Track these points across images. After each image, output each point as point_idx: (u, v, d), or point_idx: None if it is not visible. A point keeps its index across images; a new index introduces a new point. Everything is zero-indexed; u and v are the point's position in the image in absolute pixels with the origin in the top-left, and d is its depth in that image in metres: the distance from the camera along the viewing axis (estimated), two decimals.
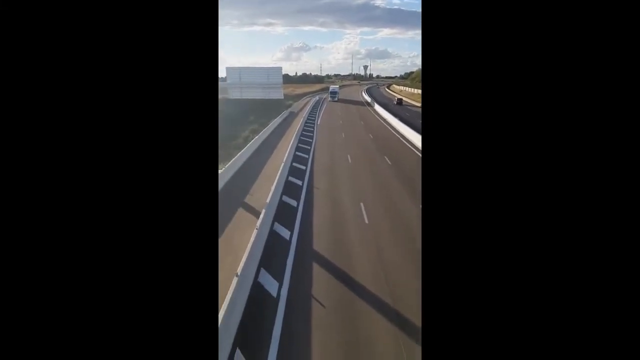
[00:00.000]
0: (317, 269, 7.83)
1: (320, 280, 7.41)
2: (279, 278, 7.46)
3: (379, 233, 9.54)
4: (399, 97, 57.75)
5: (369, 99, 53.16)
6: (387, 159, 17.70)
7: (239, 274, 6.52)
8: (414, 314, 6.27)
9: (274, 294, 6.93)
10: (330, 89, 60.01)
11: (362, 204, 11.52)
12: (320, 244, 9.00)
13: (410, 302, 6.59)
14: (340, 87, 76.13)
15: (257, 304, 6.65)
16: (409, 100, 55.35)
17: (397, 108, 43.47)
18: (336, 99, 54.80)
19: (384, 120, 32.54)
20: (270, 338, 5.79)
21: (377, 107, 40.42)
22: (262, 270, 7.72)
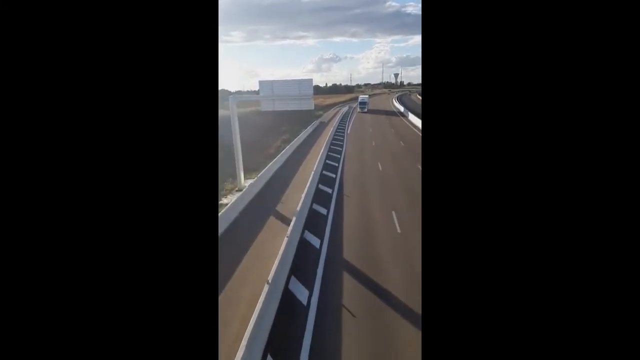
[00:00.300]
0: (347, 278, 7.72)
1: (351, 289, 7.29)
2: (310, 286, 7.44)
3: (412, 244, 9.25)
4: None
5: (400, 108, 50.62)
6: (419, 166, 17.27)
7: (269, 281, 6.59)
8: None
9: (305, 302, 6.91)
10: (360, 98, 54.83)
11: (394, 213, 11.27)
12: (350, 253, 8.88)
13: None
14: (371, 96, 75.73)
15: (288, 312, 6.66)
16: None
17: None
18: (366, 109, 50.08)
19: (415, 127, 31.88)
20: (301, 348, 5.76)
21: (410, 116, 39.54)
22: (293, 278, 7.75)
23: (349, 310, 6.61)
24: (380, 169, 17.27)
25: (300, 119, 35.76)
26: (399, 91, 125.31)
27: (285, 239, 8.42)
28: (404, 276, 7.68)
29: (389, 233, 9.93)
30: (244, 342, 5.15)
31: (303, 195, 11.73)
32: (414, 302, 6.76)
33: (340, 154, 21.36)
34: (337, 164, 18.71)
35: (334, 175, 16.36)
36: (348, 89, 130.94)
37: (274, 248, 8.63)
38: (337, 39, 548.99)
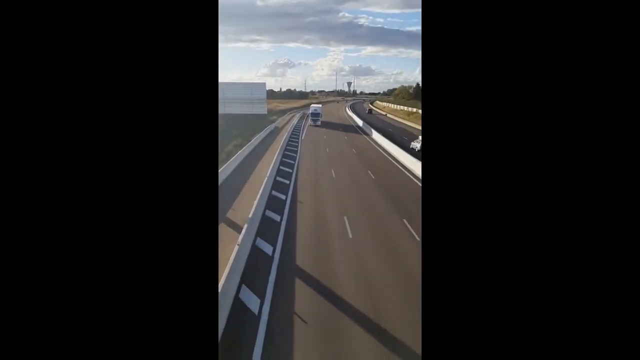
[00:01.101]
0: (299, 285, 7.69)
1: (303, 297, 7.27)
2: (261, 295, 7.28)
3: (362, 248, 9.51)
4: (370, 107, 73.12)
5: (358, 121, 44.31)
6: (370, 173, 17.90)
7: (219, 290, 6.32)
8: (396, 327, 6.22)
9: (255, 311, 6.74)
10: (311, 108, 42.02)
11: (345, 218, 11.51)
12: (303, 259, 8.87)
13: (390, 311, 6.55)
14: (324, 103, 76.87)
15: (238, 322, 6.43)
16: (393, 117, 56.34)
17: (377, 121, 47.03)
18: (319, 122, 39.82)
19: (369, 137, 33.09)
20: (251, 358, 5.60)
21: (374, 134, 38.54)
22: (244, 287, 7.52)
23: (300, 318, 6.58)
24: (334, 175, 17.58)
25: (253, 123, 35.15)
26: (351, 99, 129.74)
27: (236, 247, 8.15)
28: (356, 280, 7.86)
29: (342, 238, 10.11)
30: None
31: (255, 202, 11.50)
32: (366, 306, 6.94)
33: (295, 160, 21.37)
34: (290, 170, 18.67)
35: (287, 182, 16.29)
36: (302, 95, 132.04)
37: (224, 257, 8.32)
38: (292, 45, 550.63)
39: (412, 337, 5.98)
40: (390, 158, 22.12)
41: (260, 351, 5.74)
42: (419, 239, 9.96)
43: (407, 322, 6.36)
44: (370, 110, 66.29)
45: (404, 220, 11.36)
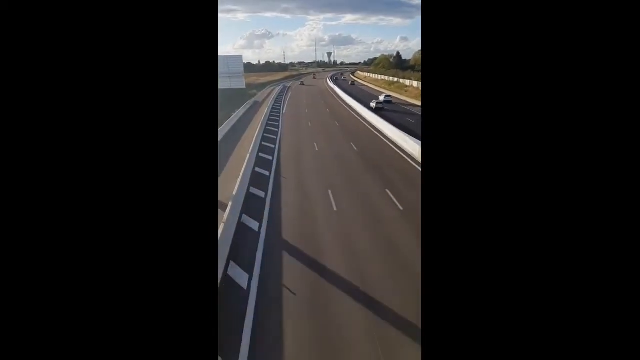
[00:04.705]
0: (286, 258, 7.86)
1: (290, 268, 7.45)
2: (249, 270, 7.41)
3: (347, 219, 9.71)
4: (340, 73, 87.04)
5: (341, 94, 40.84)
6: (351, 142, 17.96)
7: None
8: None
9: (244, 286, 6.89)
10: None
11: (330, 192, 11.63)
12: (289, 233, 9.01)
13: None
14: (305, 77, 74.60)
15: (228, 296, 6.58)
16: (372, 86, 55.79)
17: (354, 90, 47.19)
18: None
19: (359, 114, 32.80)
20: (241, 336, 5.79)
21: (347, 99, 40.01)
22: (232, 263, 7.62)
23: (289, 290, 6.78)
24: (317, 149, 17.52)
25: (232, 98, 34.10)
26: (332, 70, 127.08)
27: (222, 224, 8.16)
28: (341, 249, 8.10)
29: (326, 211, 10.26)
30: None
31: (239, 179, 11.40)
32: (351, 272, 7.20)
33: (277, 135, 21.07)
34: (273, 146, 18.44)
35: (270, 158, 16.14)
36: (282, 67, 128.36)
37: None
38: (269, 15, 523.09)
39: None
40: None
41: (252, 324, 5.93)
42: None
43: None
44: (342, 74, 79.19)
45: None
